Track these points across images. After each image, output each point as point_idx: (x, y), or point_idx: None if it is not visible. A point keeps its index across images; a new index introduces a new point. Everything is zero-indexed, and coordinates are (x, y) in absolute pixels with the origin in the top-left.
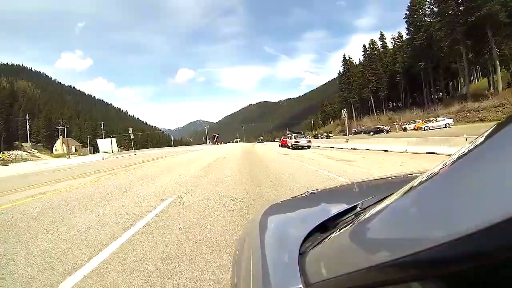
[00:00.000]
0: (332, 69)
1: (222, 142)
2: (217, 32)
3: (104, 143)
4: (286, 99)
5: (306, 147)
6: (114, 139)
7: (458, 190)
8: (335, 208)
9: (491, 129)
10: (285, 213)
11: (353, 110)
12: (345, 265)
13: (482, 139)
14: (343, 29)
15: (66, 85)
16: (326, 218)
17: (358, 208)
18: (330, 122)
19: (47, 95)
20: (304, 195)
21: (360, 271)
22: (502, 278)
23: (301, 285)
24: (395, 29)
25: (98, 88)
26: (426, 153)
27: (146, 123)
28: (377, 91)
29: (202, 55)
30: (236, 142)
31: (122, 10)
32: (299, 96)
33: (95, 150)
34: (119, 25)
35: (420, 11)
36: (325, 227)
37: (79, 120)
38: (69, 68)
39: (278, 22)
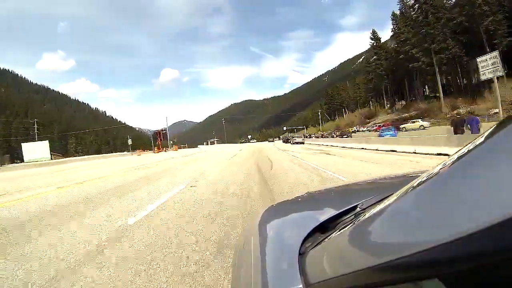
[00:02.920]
0: (317, 68)
1: (164, 149)
2: (203, 32)
3: (33, 148)
4: (271, 97)
5: None
6: (46, 143)
7: (458, 190)
8: (335, 208)
9: (491, 129)
10: (285, 214)
11: (438, 80)
12: (345, 265)
13: (482, 139)
14: (328, 28)
15: (39, 84)
16: (326, 218)
17: (358, 208)
18: (342, 114)
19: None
20: (304, 195)
21: (360, 271)
22: (502, 278)
23: (301, 285)
24: (382, 27)
25: (82, 90)
26: None
27: (125, 123)
28: (492, 35)
29: (187, 55)
30: (213, 143)
31: (105, 10)
32: (285, 94)
33: (14, 158)
34: (103, 25)
35: None
36: (325, 227)
37: (27, 118)
38: (51, 69)
39: (264, 22)
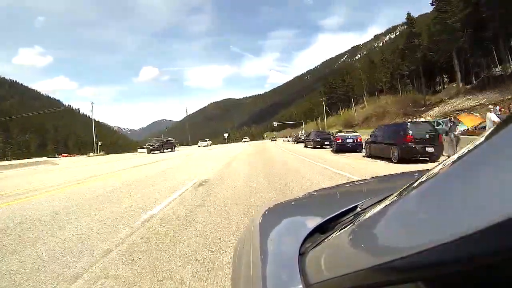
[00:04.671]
0: (297, 67)
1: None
2: (184, 31)
3: None
4: (251, 96)
5: None
6: None
7: (458, 191)
8: (335, 209)
9: (491, 129)
10: (285, 214)
11: None
12: (345, 266)
13: (482, 139)
14: (309, 28)
15: (4, 77)
16: (326, 219)
17: (358, 209)
18: (350, 107)
19: None
20: (304, 196)
21: (360, 272)
22: (502, 279)
23: (301, 286)
24: (362, 30)
25: (60, 87)
26: None
27: (99, 121)
28: None
29: (167, 53)
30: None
31: (86, 8)
32: (265, 93)
33: None
34: (82, 21)
35: None
36: (325, 227)
37: None
38: (27, 65)
39: (244, 21)
